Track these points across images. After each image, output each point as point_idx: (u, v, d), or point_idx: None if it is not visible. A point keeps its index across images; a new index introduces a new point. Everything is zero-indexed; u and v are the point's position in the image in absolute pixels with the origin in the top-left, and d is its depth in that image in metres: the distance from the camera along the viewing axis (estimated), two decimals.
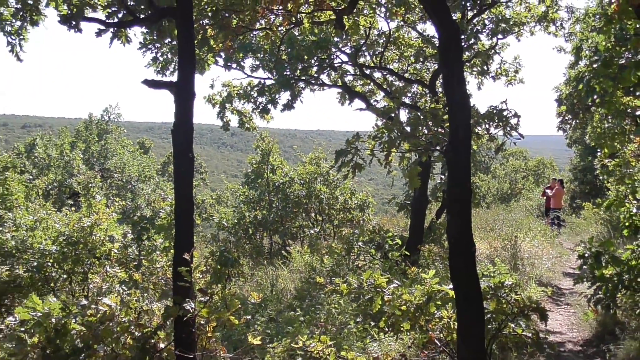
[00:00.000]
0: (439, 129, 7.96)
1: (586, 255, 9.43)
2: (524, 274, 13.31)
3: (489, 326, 7.48)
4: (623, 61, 10.59)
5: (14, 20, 9.06)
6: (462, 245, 7.06)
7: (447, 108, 7.65)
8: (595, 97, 13.42)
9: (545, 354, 8.06)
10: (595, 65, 11.59)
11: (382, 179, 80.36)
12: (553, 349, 8.49)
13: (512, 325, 7.69)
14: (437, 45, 14.99)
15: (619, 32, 11.99)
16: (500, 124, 8.39)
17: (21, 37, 9.15)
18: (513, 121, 8.12)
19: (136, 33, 12.00)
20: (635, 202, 9.73)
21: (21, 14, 8.54)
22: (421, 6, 14.23)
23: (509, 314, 7.62)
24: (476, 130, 8.26)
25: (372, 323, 8.96)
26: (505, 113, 8.02)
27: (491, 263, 11.06)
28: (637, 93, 12.89)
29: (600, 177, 26.64)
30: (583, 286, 10.07)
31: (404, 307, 7.88)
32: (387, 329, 8.42)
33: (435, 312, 7.75)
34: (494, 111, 8.38)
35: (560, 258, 17.18)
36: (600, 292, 9.11)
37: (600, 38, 13.98)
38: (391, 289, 8.17)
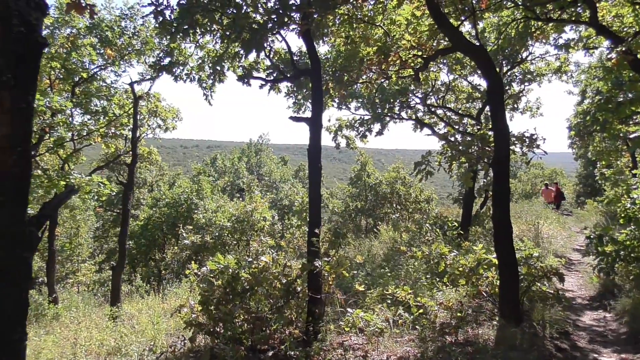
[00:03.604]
0: (486, 148, 7.68)
1: (592, 236, 8.99)
2: (544, 248, 12.60)
3: (522, 284, 7.14)
4: (620, 99, 10.00)
5: (208, 80, 9.44)
6: (503, 227, 6.83)
7: (492, 133, 7.42)
8: (597, 125, 12.70)
9: (562, 305, 7.59)
10: (599, 103, 10.94)
11: (440, 181, 78.31)
12: (568, 302, 8.06)
13: (538, 284, 7.35)
14: (485, 90, 14.47)
15: (614, 79, 11.36)
16: (529, 143, 8.03)
17: (212, 90, 9.51)
18: (540, 142, 7.74)
19: (284, 86, 12.28)
20: (629, 199, 9.06)
21: (212, 76, 8.87)
22: (472, 64, 13.79)
23: (536, 276, 7.28)
24: (512, 148, 7.90)
25: (437, 279, 8.74)
26: (534, 137, 7.64)
27: (520, 240, 10.53)
28: (630, 122, 12.02)
29: (599, 182, 25.15)
30: (589, 258, 9.51)
31: (460, 269, 7.66)
32: (448, 284, 8.22)
33: (483, 273, 7.47)
34: (525, 136, 8.04)
35: (570, 238, 16.17)
36: (602, 263, 8.62)
37: (601, 83, 13.20)
38: (451, 256, 7.96)
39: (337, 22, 8.91)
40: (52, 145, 15.84)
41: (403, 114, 16.99)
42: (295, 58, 8.75)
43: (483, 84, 16.33)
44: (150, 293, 13.91)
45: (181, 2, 6.39)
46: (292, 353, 6.02)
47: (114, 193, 27.09)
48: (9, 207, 2.86)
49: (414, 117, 17.17)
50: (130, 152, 18.28)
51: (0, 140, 2.82)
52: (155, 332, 8.00)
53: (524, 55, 15.48)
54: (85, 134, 17.36)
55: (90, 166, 23.43)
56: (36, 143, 14.62)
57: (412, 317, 6.95)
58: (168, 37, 7.16)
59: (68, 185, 13.36)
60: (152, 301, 11.57)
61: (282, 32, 6.98)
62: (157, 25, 6.80)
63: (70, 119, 16.89)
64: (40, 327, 12.17)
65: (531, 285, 7.33)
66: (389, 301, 7.51)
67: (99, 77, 18.21)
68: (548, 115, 20.61)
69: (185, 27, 6.60)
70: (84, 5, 4.52)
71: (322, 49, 12.85)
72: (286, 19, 6.34)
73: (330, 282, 7.02)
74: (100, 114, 18.01)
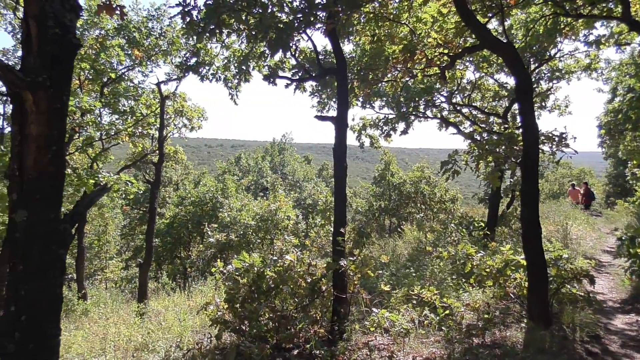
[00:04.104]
0: (514, 147, 7.55)
1: (623, 238, 8.75)
2: (573, 250, 12.32)
3: (551, 286, 6.99)
4: None
5: (233, 80, 9.50)
6: (532, 227, 6.72)
7: (520, 132, 7.30)
8: (629, 124, 12.37)
9: (592, 308, 7.41)
10: (631, 100, 10.64)
11: (465, 181, 77.37)
12: (598, 305, 7.86)
13: (568, 286, 7.19)
14: (512, 88, 14.22)
15: None
16: (559, 142, 7.87)
17: (237, 90, 9.57)
18: (570, 141, 7.56)
19: (308, 85, 12.23)
20: None
21: (238, 75, 8.92)
22: (499, 61, 13.58)
23: (565, 278, 7.11)
24: (540, 147, 7.74)
25: (463, 280, 8.62)
26: (564, 135, 7.48)
27: (548, 241, 10.31)
28: None
29: (630, 182, 24.54)
30: (620, 260, 9.26)
31: (487, 270, 7.55)
32: (474, 285, 8.10)
33: (511, 274, 7.34)
34: (554, 134, 7.88)
35: (600, 239, 15.77)
36: (635, 265, 8.40)
37: (633, 81, 12.84)
38: (478, 256, 7.85)
39: (363, 20, 8.87)
40: (81, 145, 16.18)
41: (428, 113, 16.85)
42: (320, 57, 8.74)
43: (510, 82, 16.08)
44: (176, 290, 14.08)
45: (208, 2, 6.44)
46: (318, 352, 6.01)
47: (141, 191, 27.61)
48: (44, 205, 2.93)
49: (439, 115, 17.00)
50: (157, 151, 18.54)
51: (36, 139, 2.88)
52: (181, 329, 8.09)
53: (553, 52, 15.15)
54: (113, 133, 17.69)
55: (118, 165, 23.86)
56: (66, 142, 14.93)
57: (437, 318, 6.88)
58: (195, 37, 7.21)
59: (98, 184, 13.62)
60: (178, 298, 11.70)
61: (308, 31, 6.98)
62: (184, 25, 6.86)
63: (99, 118, 17.21)
64: (70, 322, 12.45)
65: (560, 287, 7.17)
66: (414, 301, 7.44)
67: (126, 78, 18.54)
68: (577, 113, 20.12)
69: (211, 27, 6.65)
70: (114, 6, 4.59)
71: (347, 47, 12.82)
72: (312, 18, 6.34)
73: (356, 282, 6.99)
74: (128, 113, 18.32)
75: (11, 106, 3.09)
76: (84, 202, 3.54)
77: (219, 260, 8.03)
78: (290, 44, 6.79)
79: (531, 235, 6.69)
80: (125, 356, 7.41)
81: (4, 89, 14.73)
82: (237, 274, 7.09)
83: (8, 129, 16.67)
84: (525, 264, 6.93)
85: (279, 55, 8.05)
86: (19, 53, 15.94)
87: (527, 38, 12.88)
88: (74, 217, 3.17)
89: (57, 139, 2.97)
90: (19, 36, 15.91)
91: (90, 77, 17.34)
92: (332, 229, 7.46)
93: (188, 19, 6.70)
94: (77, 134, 15.64)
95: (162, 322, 9.09)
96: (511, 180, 18.42)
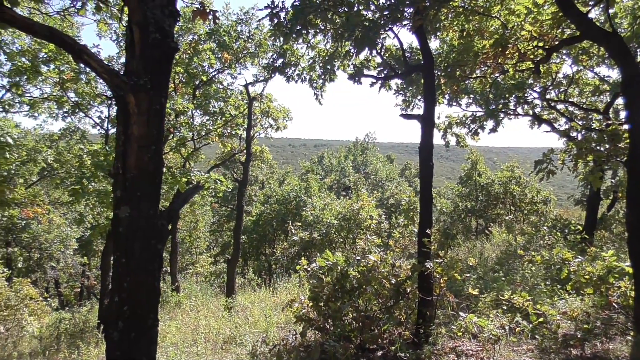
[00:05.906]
0: (619, 145, 6.97)
1: None
2: None
3: None
4: None
5: (318, 80, 9.60)
6: (639, 232, 6.11)
7: (625, 128, 6.72)
8: None
9: None
10: None
11: (558, 182, 72.82)
12: None
13: None
14: (615, 82, 13.16)
15: None
16: None
17: (322, 90, 9.66)
18: None
19: (393, 83, 12.06)
20: None
21: (323, 75, 8.99)
22: (600, 53, 12.64)
23: None
24: None
25: (559, 286, 8.10)
26: None
27: None
28: None
29: None
30: None
31: (587, 276, 7.01)
32: (571, 292, 7.58)
33: (614, 282, 6.77)
34: None
35: None
36: None
37: None
38: (576, 262, 7.33)
39: (451, 15, 8.60)
40: (175, 145, 17.11)
41: (519, 110, 16.05)
42: (406, 54, 8.58)
43: (613, 74, 14.88)
44: (261, 286, 14.50)
45: (295, 3, 6.54)
46: (403, 355, 5.92)
47: (229, 189, 28.72)
48: (145, 202, 3.10)
49: (531, 112, 16.14)
50: (245, 151, 19.19)
51: (138, 139, 3.06)
52: (267, 324, 8.31)
53: None
54: (204, 133, 18.56)
55: (208, 164, 25.03)
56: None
57: (530, 325, 6.52)
58: (282, 38, 7.36)
59: (190, 182, 14.34)
60: (264, 294, 12.04)
61: (394, 28, 6.88)
62: (271, 27, 7.02)
63: (192, 119, 18.13)
64: (165, 313, 13.22)
65: None
66: (504, 307, 7.11)
67: (216, 80, 19.37)
68: None
69: (298, 28, 6.75)
70: (207, 11, 4.78)
71: (433, 44, 12.51)
72: (399, 15, 6.23)
73: (442, 284, 6.79)
74: (218, 114, 19.15)
75: (116, 108, 3.31)
76: (179, 199, 3.72)
77: (303, 258, 8.14)
78: (376, 42, 6.72)
79: (638, 241, 6.12)
80: (215, 348, 7.73)
81: (109, 93, 15.94)
82: (321, 272, 7.15)
83: (113, 130, 18.01)
84: (631, 271, 6.36)
85: (364, 54, 8.01)
86: (122, 60, 17.17)
87: (634, 27, 11.85)
88: (170, 213, 3.34)
89: (156, 139, 3.15)
90: (122, 44, 17.14)
91: (184, 80, 18.30)
92: (415, 230, 7.31)
93: (276, 21, 6.85)
94: (172, 135, 16.57)
95: (249, 316, 9.39)
96: (612, 180, 17.08)
